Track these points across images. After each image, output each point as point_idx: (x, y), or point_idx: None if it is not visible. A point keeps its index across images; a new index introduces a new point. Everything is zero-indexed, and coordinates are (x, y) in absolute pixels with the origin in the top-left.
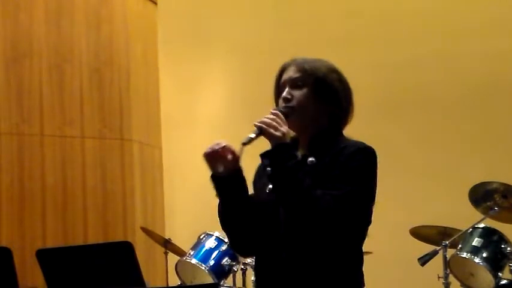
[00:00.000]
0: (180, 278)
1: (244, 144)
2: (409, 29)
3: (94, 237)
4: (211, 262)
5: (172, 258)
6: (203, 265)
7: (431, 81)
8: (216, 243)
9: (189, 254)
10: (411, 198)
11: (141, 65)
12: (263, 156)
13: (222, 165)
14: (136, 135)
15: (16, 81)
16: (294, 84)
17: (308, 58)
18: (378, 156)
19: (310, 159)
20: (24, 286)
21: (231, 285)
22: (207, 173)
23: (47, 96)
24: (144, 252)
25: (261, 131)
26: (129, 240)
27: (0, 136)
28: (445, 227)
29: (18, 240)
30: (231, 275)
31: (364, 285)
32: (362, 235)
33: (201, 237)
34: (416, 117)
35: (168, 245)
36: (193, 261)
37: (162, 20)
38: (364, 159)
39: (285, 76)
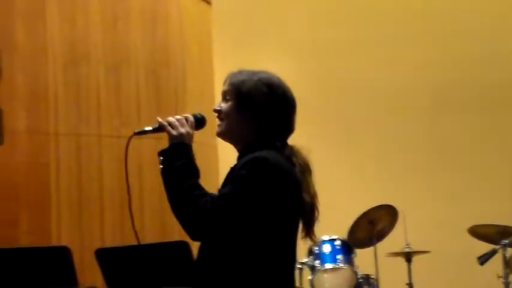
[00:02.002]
0: None
1: (136, 133)
2: (461, 27)
3: (151, 236)
4: None
5: None
6: None
7: (494, 81)
8: None
9: None
10: (470, 196)
11: (197, 66)
12: (159, 154)
13: None
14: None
15: (74, 84)
16: (223, 97)
17: (245, 70)
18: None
19: (189, 181)
20: (83, 285)
21: None
22: None
23: (104, 98)
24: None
25: (160, 127)
26: (186, 240)
27: (59, 137)
28: (504, 225)
29: (77, 240)
30: None
31: None
32: (253, 241)
33: None
34: (476, 116)
35: None
36: None
37: (216, 20)
38: (251, 168)
39: (222, 88)
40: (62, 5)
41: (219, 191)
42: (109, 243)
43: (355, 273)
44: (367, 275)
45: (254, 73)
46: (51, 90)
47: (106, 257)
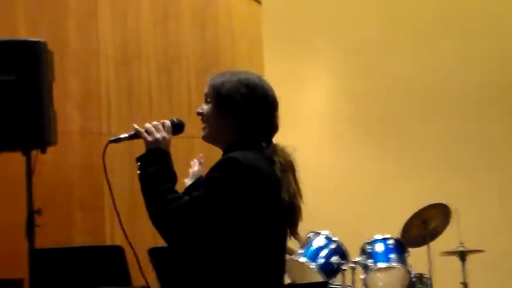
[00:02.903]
0: (289, 276)
1: (111, 141)
2: None
3: None
4: (320, 260)
5: None
6: (312, 263)
7: None
8: (325, 241)
9: (298, 252)
10: None
11: (247, 65)
12: (136, 159)
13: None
14: None
15: (126, 84)
16: (205, 99)
17: (225, 72)
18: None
19: (164, 185)
20: (136, 283)
21: (340, 283)
22: (313, 170)
23: (156, 98)
24: None
25: (136, 134)
26: None
27: (112, 137)
28: None
29: (130, 239)
30: (340, 273)
31: None
32: (227, 243)
33: (309, 235)
34: None
35: None
36: (302, 259)
37: (266, 19)
38: (221, 169)
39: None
40: (113, 6)
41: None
42: (161, 242)
43: (409, 272)
44: (421, 274)
45: (234, 74)
46: (104, 91)
47: (158, 255)
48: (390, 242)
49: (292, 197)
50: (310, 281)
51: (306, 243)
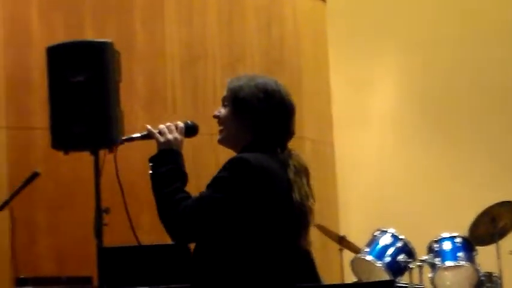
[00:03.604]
0: (355, 274)
1: (124, 140)
2: None
3: None
4: (387, 259)
5: (348, 255)
6: (379, 262)
7: None
8: (392, 239)
9: (364, 250)
10: None
11: (312, 64)
12: (149, 160)
13: None
14: (308, 132)
15: (191, 83)
16: (222, 102)
17: (243, 76)
18: None
19: (174, 185)
20: None
21: (408, 282)
22: (380, 169)
23: (221, 96)
24: (319, 249)
25: (148, 134)
26: None
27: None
28: None
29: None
30: (407, 272)
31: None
32: (234, 241)
33: (376, 233)
34: None
35: (342, 241)
36: (369, 258)
37: (331, 18)
38: (230, 168)
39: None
40: (179, 6)
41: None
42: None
43: (477, 271)
44: (490, 273)
45: (252, 79)
46: (169, 90)
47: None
48: (458, 240)
49: (305, 198)
50: (377, 279)
51: (372, 242)
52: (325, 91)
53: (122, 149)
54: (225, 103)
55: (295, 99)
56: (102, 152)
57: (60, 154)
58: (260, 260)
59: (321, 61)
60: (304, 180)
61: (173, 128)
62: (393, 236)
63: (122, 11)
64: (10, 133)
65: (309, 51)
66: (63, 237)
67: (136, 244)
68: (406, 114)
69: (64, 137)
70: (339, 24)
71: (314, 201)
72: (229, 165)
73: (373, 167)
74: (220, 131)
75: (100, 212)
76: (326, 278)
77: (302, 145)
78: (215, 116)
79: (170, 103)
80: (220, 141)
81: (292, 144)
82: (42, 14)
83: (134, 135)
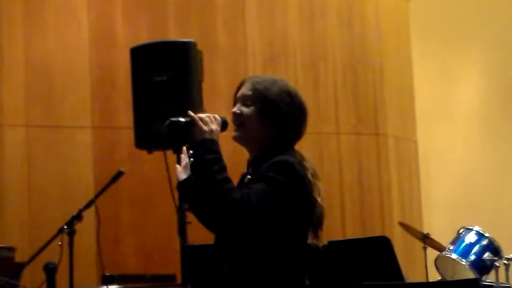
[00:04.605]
0: (440, 273)
1: (171, 121)
2: None
3: (352, 231)
4: (472, 257)
5: (432, 253)
6: (463, 260)
7: None
8: (477, 237)
9: (449, 248)
10: None
11: (394, 60)
12: (189, 147)
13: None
14: (391, 129)
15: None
16: (244, 101)
17: (265, 77)
18: None
19: (248, 177)
20: None
21: (493, 281)
22: (465, 166)
23: (303, 94)
24: (403, 247)
25: (191, 121)
26: (387, 235)
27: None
28: None
29: None
30: (493, 270)
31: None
32: (286, 239)
33: (461, 231)
34: None
35: (426, 239)
36: (453, 256)
37: (414, 15)
38: (278, 170)
39: (240, 91)
40: (260, 5)
41: (245, 188)
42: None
43: None
44: None
45: (274, 81)
46: None
47: (311, 251)
48: None
49: (322, 200)
50: (462, 278)
51: (457, 239)
52: (408, 87)
53: None
54: (248, 102)
55: (378, 96)
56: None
57: (144, 153)
58: (293, 259)
59: (403, 57)
60: (319, 184)
61: (213, 119)
62: (478, 233)
63: (204, 10)
64: (95, 133)
65: (392, 47)
66: (148, 236)
67: None
68: (492, 109)
69: (147, 136)
70: (422, 20)
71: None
72: (277, 167)
73: (458, 164)
74: (238, 129)
75: (183, 210)
76: (410, 276)
77: (385, 142)
78: (236, 114)
79: None
80: (238, 138)
81: (375, 142)
82: (127, 15)
83: (181, 119)
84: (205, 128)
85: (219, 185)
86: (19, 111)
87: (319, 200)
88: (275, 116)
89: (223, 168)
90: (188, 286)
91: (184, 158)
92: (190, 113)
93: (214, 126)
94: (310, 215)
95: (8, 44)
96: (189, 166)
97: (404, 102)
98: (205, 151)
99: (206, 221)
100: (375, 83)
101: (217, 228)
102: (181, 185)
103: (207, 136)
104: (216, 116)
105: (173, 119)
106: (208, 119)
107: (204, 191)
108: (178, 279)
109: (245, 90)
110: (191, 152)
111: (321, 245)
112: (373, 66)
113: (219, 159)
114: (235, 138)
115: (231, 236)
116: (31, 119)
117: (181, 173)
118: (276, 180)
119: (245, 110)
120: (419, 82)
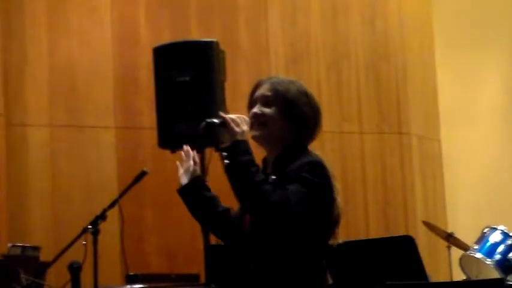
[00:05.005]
0: (464, 272)
1: (207, 123)
2: None
3: (375, 231)
4: (497, 257)
5: (456, 253)
6: (488, 260)
7: None
8: (502, 237)
9: (473, 248)
10: None
11: (417, 59)
12: (222, 149)
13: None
14: (414, 128)
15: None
16: (265, 102)
17: (283, 79)
18: None
19: (272, 177)
20: None
21: None
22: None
23: (325, 93)
24: (426, 246)
25: (223, 122)
26: (411, 234)
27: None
28: None
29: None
30: None
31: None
32: (317, 239)
33: (485, 231)
34: None
35: (450, 239)
36: (478, 255)
37: (438, 12)
38: (311, 171)
39: (258, 93)
40: (283, 4)
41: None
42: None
43: None
44: None
45: (291, 82)
46: None
47: (334, 251)
48: None
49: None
50: (486, 278)
51: (481, 239)
52: (431, 87)
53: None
54: (269, 103)
55: (401, 95)
56: (208, 151)
57: (167, 153)
58: (317, 255)
59: (427, 56)
60: (336, 182)
61: (243, 119)
62: (503, 233)
63: (226, 10)
64: (118, 133)
65: (415, 46)
66: (171, 235)
67: None
68: None
69: (170, 136)
70: (446, 17)
71: None
72: (311, 168)
73: (482, 163)
74: (260, 128)
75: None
76: (434, 275)
77: (408, 141)
78: (257, 114)
79: None
80: (259, 138)
81: (399, 141)
82: (149, 15)
83: (215, 120)
84: (237, 129)
85: (258, 187)
86: (43, 111)
87: (338, 199)
88: (296, 117)
89: (259, 169)
90: (212, 286)
91: (186, 161)
92: (223, 114)
93: (245, 128)
94: (333, 215)
95: (31, 45)
96: (190, 170)
97: (428, 100)
98: (240, 153)
99: (209, 226)
100: (398, 81)
101: (221, 234)
102: (184, 189)
103: (239, 137)
104: (245, 117)
105: (208, 120)
106: (239, 120)
107: (242, 192)
108: (202, 279)
109: (264, 91)
110: (224, 153)
111: (336, 243)
112: (396, 64)
113: (253, 160)
114: (255, 138)
115: (265, 237)
116: (55, 120)
117: (183, 176)
118: (311, 182)
119: (267, 110)
120: (442, 80)
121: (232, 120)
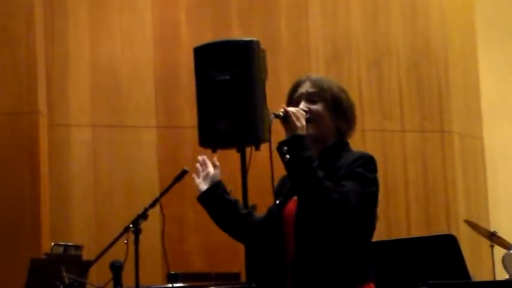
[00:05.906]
0: (507, 271)
1: (275, 115)
2: None
3: (417, 230)
4: None
5: (499, 251)
6: None
7: None
8: None
9: None
10: None
11: (459, 57)
12: (282, 143)
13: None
14: (456, 126)
15: (336, 79)
16: (310, 98)
17: (321, 76)
18: None
19: (319, 172)
20: None
21: None
22: None
23: (366, 92)
24: (469, 245)
25: (286, 115)
26: (453, 233)
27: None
28: None
29: (383, 232)
30: None
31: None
32: (366, 233)
33: None
34: None
35: (493, 238)
36: None
37: (480, 9)
38: (365, 166)
39: (301, 90)
40: (323, 2)
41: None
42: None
43: None
44: None
45: (328, 80)
46: None
47: (376, 250)
48: None
49: None
50: None
51: None
52: (474, 83)
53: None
54: (315, 99)
55: (443, 92)
56: (248, 150)
57: (209, 152)
58: (365, 250)
59: (469, 53)
60: None
61: (302, 113)
62: None
63: (267, 9)
64: (160, 132)
65: (457, 43)
66: (212, 234)
67: None
68: None
69: (211, 135)
70: (488, 14)
71: None
72: (364, 163)
73: None
74: (309, 126)
75: (248, 208)
76: (476, 274)
77: (450, 139)
78: (306, 112)
79: None
80: (311, 134)
81: (440, 139)
82: (190, 15)
83: (280, 113)
84: (298, 124)
85: (320, 183)
86: (85, 111)
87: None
88: (341, 112)
89: (318, 165)
90: (253, 284)
91: (204, 170)
92: (286, 107)
93: (304, 122)
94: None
95: (74, 46)
96: (210, 175)
97: (470, 98)
98: (302, 148)
99: (232, 230)
100: (440, 79)
101: (245, 237)
102: (204, 195)
103: (300, 132)
104: (302, 111)
105: (276, 112)
106: (299, 114)
107: (304, 188)
108: (243, 278)
109: (308, 88)
110: (285, 148)
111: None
112: (437, 62)
113: (314, 156)
114: (309, 134)
115: (317, 231)
116: (97, 119)
117: (202, 184)
118: (365, 178)
119: (314, 107)
120: (485, 78)
121: (293, 113)
